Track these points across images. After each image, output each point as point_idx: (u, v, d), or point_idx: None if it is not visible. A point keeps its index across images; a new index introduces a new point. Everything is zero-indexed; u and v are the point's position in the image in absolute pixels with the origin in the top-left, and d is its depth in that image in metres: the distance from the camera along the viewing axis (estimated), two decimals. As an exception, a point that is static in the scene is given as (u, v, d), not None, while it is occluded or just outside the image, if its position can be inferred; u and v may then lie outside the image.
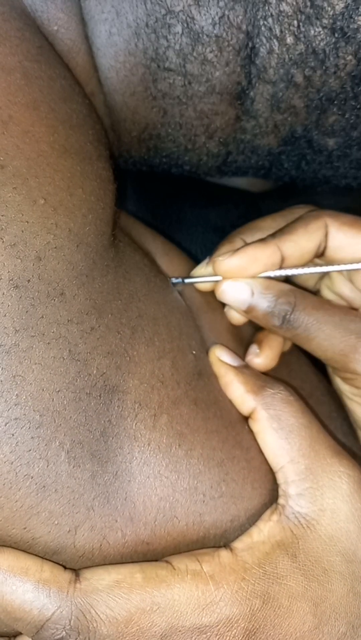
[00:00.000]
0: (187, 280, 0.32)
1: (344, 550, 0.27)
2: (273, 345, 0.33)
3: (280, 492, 0.28)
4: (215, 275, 0.32)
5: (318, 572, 0.27)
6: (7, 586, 0.23)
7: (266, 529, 0.27)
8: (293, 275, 0.33)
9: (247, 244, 0.31)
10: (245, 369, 0.31)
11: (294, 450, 0.28)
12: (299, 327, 0.31)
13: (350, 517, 0.28)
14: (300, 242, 0.31)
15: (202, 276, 0.32)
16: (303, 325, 0.31)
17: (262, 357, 0.32)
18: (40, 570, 0.23)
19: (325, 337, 0.30)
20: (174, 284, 0.32)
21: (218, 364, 0.31)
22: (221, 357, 0.31)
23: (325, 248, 0.32)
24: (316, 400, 0.33)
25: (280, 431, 0.29)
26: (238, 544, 0.27)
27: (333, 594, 0.27)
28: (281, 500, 0.28)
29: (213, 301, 0.33)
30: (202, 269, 0.33)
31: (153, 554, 0.26)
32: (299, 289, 0.32)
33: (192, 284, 0.33)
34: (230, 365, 0.30)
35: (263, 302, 0.31)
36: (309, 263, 0.32)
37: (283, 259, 0.31)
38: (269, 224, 0.33)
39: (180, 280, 0.32)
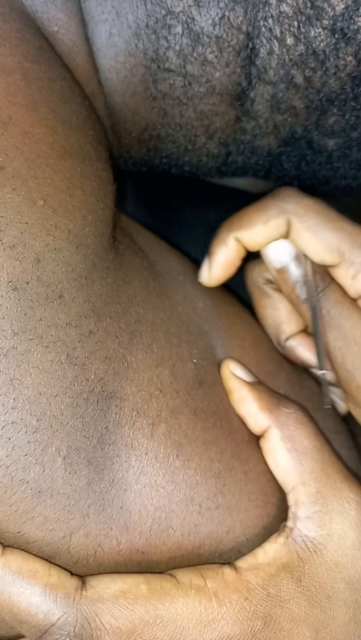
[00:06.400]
0: None
1: (349, 577, 0.27)
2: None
3: (289, 514, 0.28)
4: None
5: (322, 597, 0.27)
6: (15, 587, 0.23)
7: (272, 551, 0.27)
8: None
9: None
10: (259, 385, 0.31)
11: (306, 473, 0.28)
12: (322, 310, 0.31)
13: (356, 545, 0.28)
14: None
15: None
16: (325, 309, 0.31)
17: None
18: (47, 575, 0.24)
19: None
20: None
21: (231, 378, 0.30)
22: (235, 372, 0.31)
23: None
24: (324, 413, 0.33)
25: (293, 452, 0.29)
26: (243, 564, 0.27)
27: (335, 621, 0.27)
28: (289, 523, 0.28)
29: (232, 304, 0.33)
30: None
31: (148, 563, 0.26)
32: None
33: None
34: (243, 381, 0.30)
35: (298, 269, 0.32)
36: None
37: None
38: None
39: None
